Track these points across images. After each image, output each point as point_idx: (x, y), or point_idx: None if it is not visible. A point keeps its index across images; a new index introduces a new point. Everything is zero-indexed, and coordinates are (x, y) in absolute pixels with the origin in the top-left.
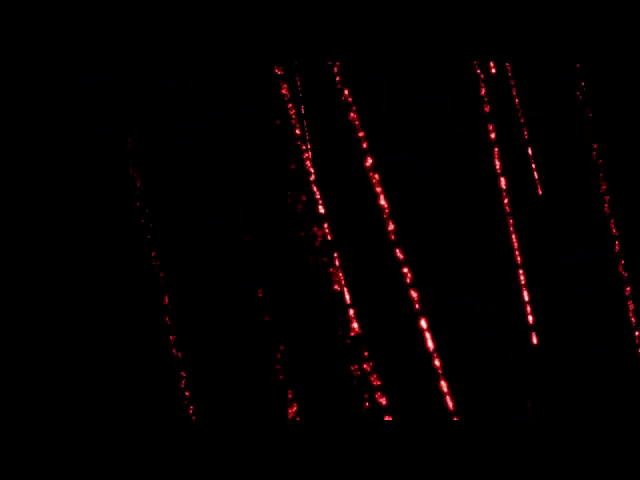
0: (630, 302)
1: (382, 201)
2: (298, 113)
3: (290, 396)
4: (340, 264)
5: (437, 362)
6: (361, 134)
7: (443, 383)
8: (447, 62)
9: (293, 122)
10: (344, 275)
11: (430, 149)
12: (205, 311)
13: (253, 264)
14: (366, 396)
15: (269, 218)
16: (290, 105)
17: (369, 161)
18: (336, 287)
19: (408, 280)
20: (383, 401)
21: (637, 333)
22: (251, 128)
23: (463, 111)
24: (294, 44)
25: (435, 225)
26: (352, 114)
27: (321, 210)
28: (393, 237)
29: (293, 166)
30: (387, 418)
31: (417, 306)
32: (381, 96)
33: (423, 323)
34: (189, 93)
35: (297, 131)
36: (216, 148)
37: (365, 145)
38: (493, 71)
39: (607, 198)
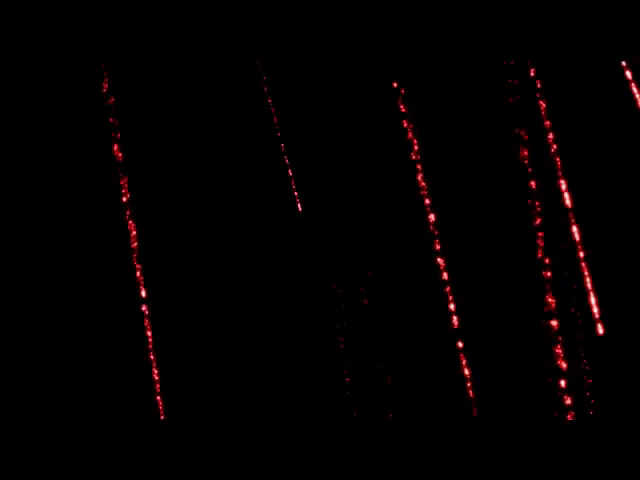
0: None
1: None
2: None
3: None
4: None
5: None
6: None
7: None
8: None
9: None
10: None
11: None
12: (205, 310)
13: (253, 264)
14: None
15: (269, 218)
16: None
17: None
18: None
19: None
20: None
21: None
22: (251, 128)
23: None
24: (295, 44)
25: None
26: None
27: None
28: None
29: (293, 164)
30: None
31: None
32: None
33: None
34: (189, 93)
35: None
36: (216, 148)
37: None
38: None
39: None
